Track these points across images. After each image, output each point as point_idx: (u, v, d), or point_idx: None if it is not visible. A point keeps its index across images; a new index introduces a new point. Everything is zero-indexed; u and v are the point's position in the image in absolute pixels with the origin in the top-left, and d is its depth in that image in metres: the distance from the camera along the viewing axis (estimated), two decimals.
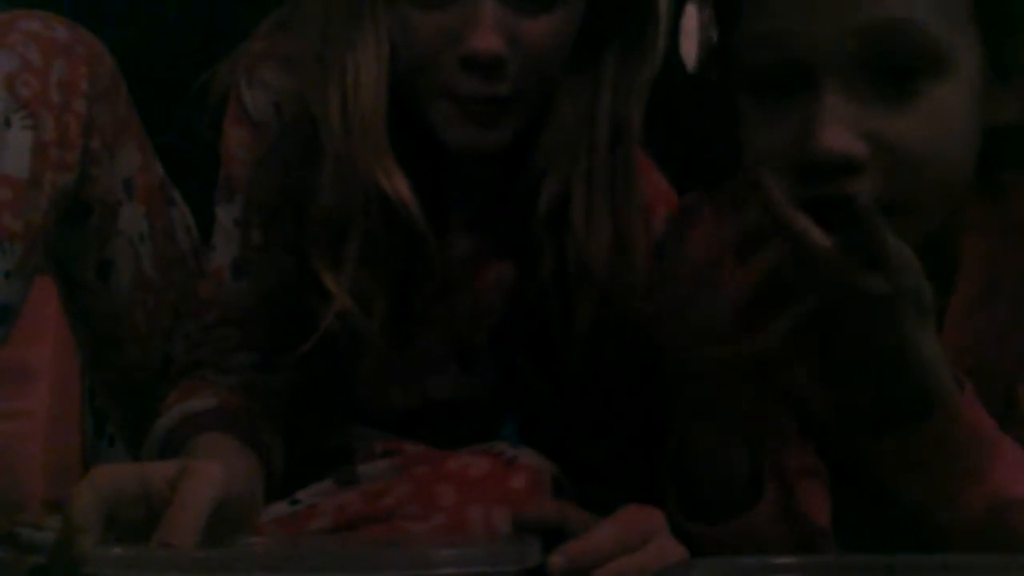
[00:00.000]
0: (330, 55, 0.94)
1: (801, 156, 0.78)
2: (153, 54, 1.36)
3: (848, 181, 0.77)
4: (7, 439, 1.30)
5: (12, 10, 1.01)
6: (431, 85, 0.94)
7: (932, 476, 0.78)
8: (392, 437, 1.00)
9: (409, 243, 0.97)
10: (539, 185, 0.98)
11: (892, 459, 0.79)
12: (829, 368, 0.80)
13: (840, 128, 0.77)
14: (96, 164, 1.00)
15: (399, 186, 0.93)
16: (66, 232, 1.01)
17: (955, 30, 0.79)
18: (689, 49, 1.24)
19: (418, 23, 0.92)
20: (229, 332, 1.01)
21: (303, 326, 0.95)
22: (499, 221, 1.02)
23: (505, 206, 1.01)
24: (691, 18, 1.23)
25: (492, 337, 1.05)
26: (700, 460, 0.85)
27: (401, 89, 0.95)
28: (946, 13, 0.79)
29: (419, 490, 0.86)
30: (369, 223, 0.94)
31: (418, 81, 0.94)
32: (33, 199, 0.94)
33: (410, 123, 0.96)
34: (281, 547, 0.79)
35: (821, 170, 0.77)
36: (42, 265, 1.01)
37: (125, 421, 1.15)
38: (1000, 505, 0.77)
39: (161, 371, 1.06)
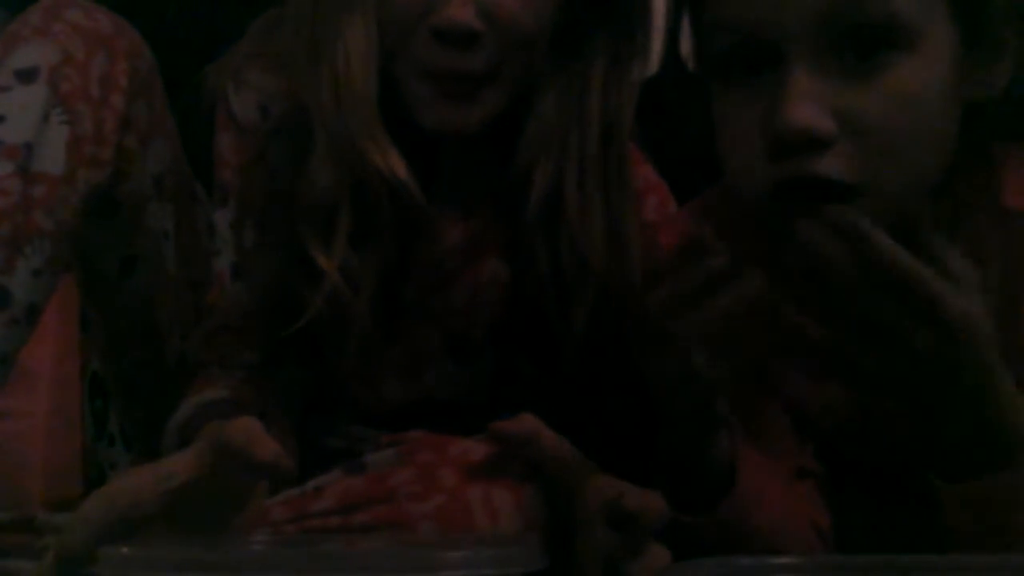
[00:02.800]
0: (320, 39, 0.95)
1: (769, 134, 0.77)
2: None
3: (816, 158, 0.76)
4: (7, 439, 1.30)
5: (11, 12, 1.01)
6: (407, 64, 0.94)
7: (995, 524, 0.74)
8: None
9: (400, 225, 0.97)
10: (529, 178, 0.98)
11: (958, 503, 0.74)
12: (896, 407, 0.77)
13: (807, 104, 0.76)
14: (129, 161, 1.01)
15: (395, 163, 0.94)
16: (94, 228, 1.01)
17: (923, 4, 0.77)
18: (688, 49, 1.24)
19: None
20: (232, 334, 1.02)
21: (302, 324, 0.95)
22: (492, 214, 1.02)
23: (497, 198, 1.01)
24: None
25: (489, 332, 1.05)
26: (683, 450, 0.84)
27: (384, 76, 0.95)
28: None
29: (421, 473, 0.86)
30: (360, 205, 0.95)
31: (396, 62, 0.95)
32: (65, 196, 0.94)
33: (396, 113, 0.96)
34: (284, 547, 0.79)
35: (789, 147, 0.76)
36: (68, 261, 1.01)
37: (133, 419, 1.15)
38: None
39: (176, 370, 1.07)
